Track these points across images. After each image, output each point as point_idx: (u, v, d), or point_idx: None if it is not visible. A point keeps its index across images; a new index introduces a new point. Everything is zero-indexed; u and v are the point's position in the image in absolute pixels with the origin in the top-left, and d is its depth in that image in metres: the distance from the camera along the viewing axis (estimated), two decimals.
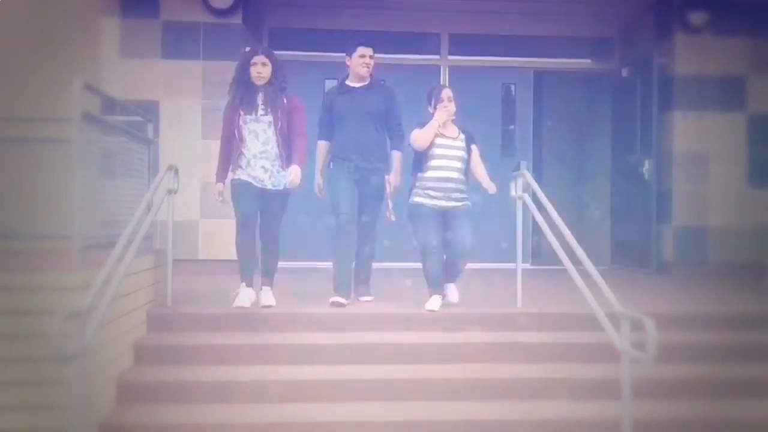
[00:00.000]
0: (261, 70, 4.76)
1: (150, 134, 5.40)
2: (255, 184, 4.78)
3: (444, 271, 4.98)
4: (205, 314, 4.72)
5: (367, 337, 4.61)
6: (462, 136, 5.05)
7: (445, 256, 4.96)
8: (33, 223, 5.16)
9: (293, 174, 4.72)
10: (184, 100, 7.18)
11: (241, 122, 4.78)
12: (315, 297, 5.27)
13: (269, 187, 4.80)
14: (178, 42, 7.18)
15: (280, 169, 4.80)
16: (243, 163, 4.79)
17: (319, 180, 5.38)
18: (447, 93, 5.03)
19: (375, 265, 5.46)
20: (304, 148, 4.85)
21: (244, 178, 4.79)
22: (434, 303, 4.87)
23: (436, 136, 4.93)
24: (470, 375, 4.29)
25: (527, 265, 7.96)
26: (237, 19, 7.27)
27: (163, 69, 7.19)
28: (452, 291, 5.06)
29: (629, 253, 8.20)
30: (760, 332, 4.83)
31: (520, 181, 5.12)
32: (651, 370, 4.09)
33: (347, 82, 5.35)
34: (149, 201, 4.47)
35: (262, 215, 4.85)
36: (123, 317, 4.14)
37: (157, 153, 5.78)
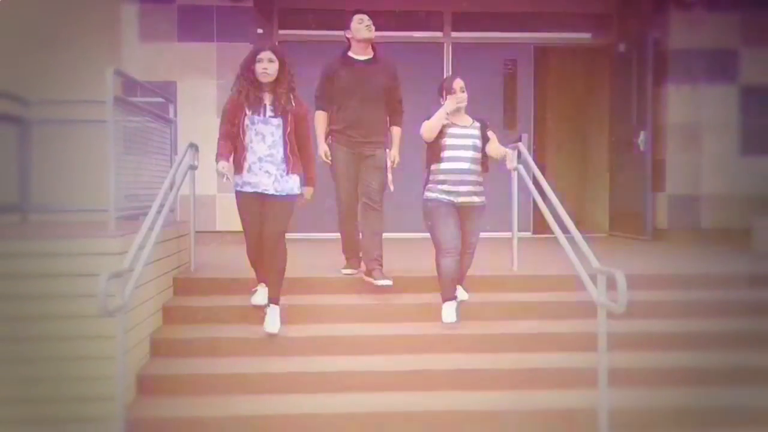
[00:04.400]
0: (267, 66, 4.43)
1: (172, 114, 5.80)
2: (258, 190, 4.52)
3: None
4: (226, 279, 5.16)
5: (378, 298, 5.02)
6: (476, 124, 4.89)
7: None
8: (66, 197, 5.62)
9: (308, 194, 4.72)
10: (200, 81, 7.60)
11: (247, 122, 4.47)
12: (326, 264, 5.67)
13: (272, 192, 4.51)
14: (193, 25, 7.60)
15: (284, 174, 4.53)
16: (245, 166, 4.51)
17: (324, 147, 5.23)
18: (459, 83, 4.84)
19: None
20: (314, 162, 4.79)
21: (247, 189, 4.53)
22: (450, 313, 4.68)
23: (448, 126, 4.77)
24: (468, 332, 4.70)
25: (528, 234, 8.35)
26: (248, 2, 7.65)
27: (179, 51, 7.61)
28: (460, 291, 4.90)
29: (626, 220, 8.57)
30: (744, 290, 5.30)
31: (515, 153, 5.48)
32: (638, 325, 4.60)
33: (350, 54, 5.24)
34: (173, 176, 4.87)
35: (265, 222, 4.53)
36: (153, 281, 4.59)
37: (176, 131, 6.19)
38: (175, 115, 6.05)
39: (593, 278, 4.06)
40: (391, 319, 4.87)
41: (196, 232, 5.64)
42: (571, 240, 4.42)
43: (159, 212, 4.35)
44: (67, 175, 6.13)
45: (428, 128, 4.76)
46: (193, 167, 5.33)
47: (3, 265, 3.92)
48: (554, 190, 4.86)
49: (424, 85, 8.05)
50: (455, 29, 8.88)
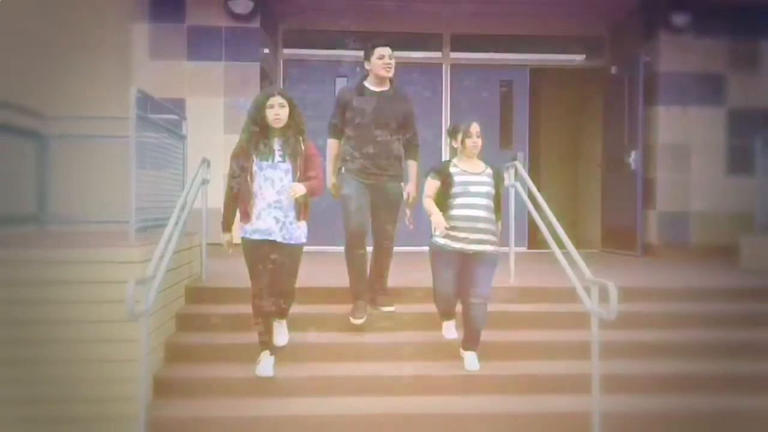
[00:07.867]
0: (279, 111, 4.32)
1: (185, 131, 6.04)
2: (267, 238, 4.37)
3: (462, 334, 4.74)
4: (236, 288, 5.33)
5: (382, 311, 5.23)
6: (488, 171, 4.67)
7: (460, 306, 4.71)
8: (80, 209, 5.83)
9: (297, 188, 4.32)
10: (208, 99, 7.85)
11: (255, 168, 4.35)
12: (330, 275, 5.87)
13: (279, 240, 4.37)
14: (202, 45, 7.87)
15: (294, 221, 4.41)
16: (254, 213, 4.36)
17: (333, 179, 5.13)
18: (476, 128, 4.61)
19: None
20: (321, 183, 4.54)
21: (255, 237, 4.37)
22: (450, 331, 4.80)
23: (458, 173, 4.58)
24: None
25: (524, 249, 8.57)
26: (255, 23, 7.93)
27: (188, 70, 7.88)
28: (471, 360, 4.68)
29: (618, 237, 8.83)
30: (729, 303, 5.54)
31: (512, 171, 5.74)
32: (629, 335, 4.88)
33: (366, 84, 5.10)
34: (188, 190, 5.11)
35: (273, 270, 4.43)
36: (167, 290, 4.79)
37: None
38: (187, 131, 6.29)
39: (587, 290, 4.31)
40: (394, 329, 5.10)
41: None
42: (566, 253, 4.67)
43: (176, 224, 4.58)
44: (80, 187, 6.35)
45: (426, 208, 4.63)
46: (205, 181, 5.56)
47: (32, 271, 4.14)
48: (548, 206, 5.09)
49: (423, 103, 8.35)
50: (454, 50, 9.18)
